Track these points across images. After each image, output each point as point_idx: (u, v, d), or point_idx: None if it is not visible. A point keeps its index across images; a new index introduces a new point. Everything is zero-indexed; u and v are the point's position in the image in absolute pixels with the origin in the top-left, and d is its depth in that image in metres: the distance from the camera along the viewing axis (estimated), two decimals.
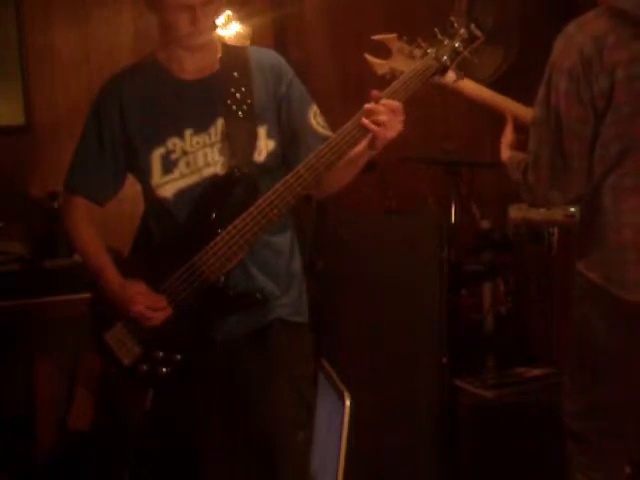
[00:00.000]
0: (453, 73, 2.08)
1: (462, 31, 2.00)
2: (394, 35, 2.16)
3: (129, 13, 3.85)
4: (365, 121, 1.95)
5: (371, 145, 1.99)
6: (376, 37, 2.22)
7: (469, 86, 2.43)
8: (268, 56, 2.19)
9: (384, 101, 1.96)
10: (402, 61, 2.13)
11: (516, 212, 3.51)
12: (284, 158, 2.14)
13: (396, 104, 1.96)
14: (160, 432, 2.23)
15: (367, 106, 1.96)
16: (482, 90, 2.46)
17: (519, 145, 2.31)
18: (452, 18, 2.02)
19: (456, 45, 2.00)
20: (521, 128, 2.33)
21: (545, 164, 2.10)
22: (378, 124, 1.94)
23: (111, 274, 2.12)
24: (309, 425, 2.37)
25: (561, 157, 2.07)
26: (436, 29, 2.01)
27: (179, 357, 2.09)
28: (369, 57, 2.29)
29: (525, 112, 2.33)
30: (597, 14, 2.05)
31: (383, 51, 2.20)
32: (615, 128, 2.01)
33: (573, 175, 2.08)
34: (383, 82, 2.01)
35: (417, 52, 2.06)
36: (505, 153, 2.32)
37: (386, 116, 1.94)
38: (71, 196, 2.20)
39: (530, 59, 3.76)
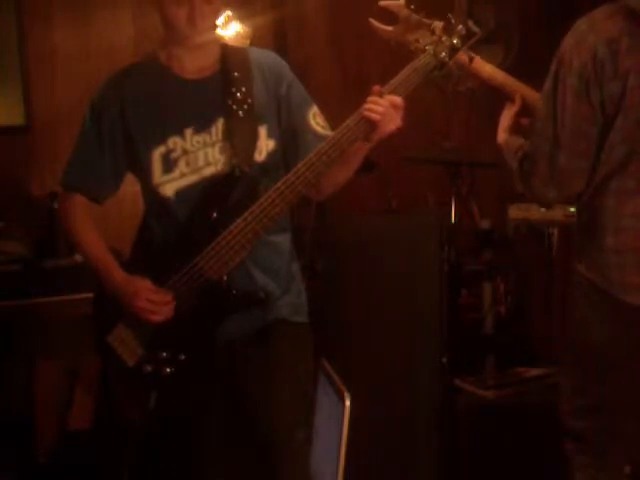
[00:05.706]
0: (465, 55, 2.09)
1: (460, 28, 2.02)
2: (402, 2, 2.16)
3: (129, 13, 3.86)
4: (366, 112, 1.97)
5: (367, 137, 2.00)
6: (383, 3, 2.21)
7: (483, 67, 2.37)
8: (268, 57, 2.19)
9: (387, 96, 1.98)
10: (407, 29, 2.13)
11: (516, 212, 3.51)
12: (284, 158, 2.14)
13: (397, 99, 1.99)
14: (161, 432, 2.23)
15: (369, 99, 1.98)
16: (496, 71, 2.39)
17: (518, 130, 2.29)
18: (450, 15, 2.03)
19: (454, 42, 2.03)
20: (527, 113, 2.29)
21: (544, 159, 2.07)
22: (379, 114, 1.96)
23: (115, 269, 2.12)
24: (309, 425, 2.37)
25: (562, 154, 2.04)
26: (449, 14, 2.02)
27: (183, 357, 2.09)
28: (374, 22, 2.28)
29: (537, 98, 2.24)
30: (609, 13, 2.00)
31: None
32: (623, 132, 1.99)
33: (572, 174, 2.06)
34: (383, 81, 2.01)
35: (424, 22, 2.06)
36: (501, 135, 2.29)
37: (387, 109, 1.97)
38: (69, 194, 2.19)
39: (530, 59, 3.77)
